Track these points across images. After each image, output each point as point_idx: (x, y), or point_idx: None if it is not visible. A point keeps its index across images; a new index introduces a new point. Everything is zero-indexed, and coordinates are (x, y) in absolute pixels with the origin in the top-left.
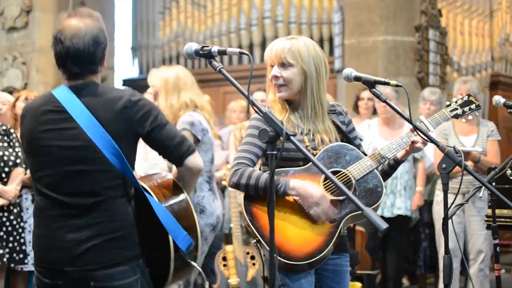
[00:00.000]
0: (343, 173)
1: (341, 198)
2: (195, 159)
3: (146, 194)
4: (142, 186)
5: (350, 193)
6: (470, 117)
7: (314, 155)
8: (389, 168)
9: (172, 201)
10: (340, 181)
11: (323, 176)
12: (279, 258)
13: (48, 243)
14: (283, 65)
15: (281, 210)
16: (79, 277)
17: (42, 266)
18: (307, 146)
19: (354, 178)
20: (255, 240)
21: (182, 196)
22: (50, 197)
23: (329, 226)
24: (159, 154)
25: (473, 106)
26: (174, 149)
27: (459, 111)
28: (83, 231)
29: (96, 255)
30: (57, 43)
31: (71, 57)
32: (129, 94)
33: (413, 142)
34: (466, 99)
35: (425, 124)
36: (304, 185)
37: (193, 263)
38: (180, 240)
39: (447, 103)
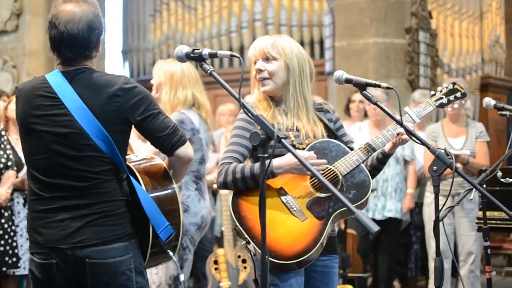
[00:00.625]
0: (329, 169)
1: (328, 194)
2: (186, 149)
3: (133, 181)
4: (132, 171)
5: (340, 195)
6: (455, 106)
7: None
8: (378, 162)
9: (159, 189)
10: (327, 177)
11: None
12: (270, 258)
13: (42, 224)
14: (267, 59)
15: (269, 209)
16: (74, 254)
17: (37, 247)
18: (292, 141)
19: (341, 174)
20: (244, 242)
21: (170, 186)
22: (43, 181)
23: (317, 223)
24: (151, 143)
25: (458, 94)
26: (165, 139)
27: (444, 100)
28: (76, 210)
29: (91, 232)
30: (52, 27)
31: (65, 42)
32: (122, 81)
33: (398, 134)
34: (451, 87)
35: (410, 116)
36: (285, 159)
37: (170, 252)
38: (160, 229)
39: (432, 92)
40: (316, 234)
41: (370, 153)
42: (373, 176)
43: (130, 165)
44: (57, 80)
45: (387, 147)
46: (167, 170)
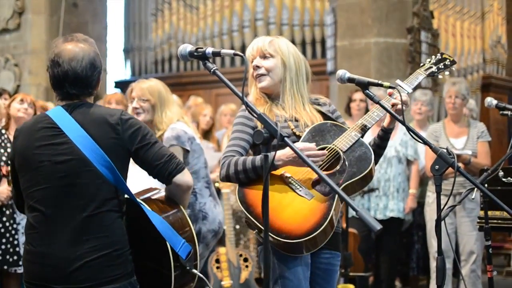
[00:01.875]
0: (329, 147)
1: (332, 171)
2: (184, 177)
3: (142, 205)
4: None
5: (342, 192)
6: (446, 73)
7: (299, 138)
8: (380, 140)
9: (166, 212)
10: (329, 156)
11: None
12: (280, 239)
13: (39, 260)
14: (264, 56)
15: (275, 193)
16: None
17: (33, 282)
18: (292, 130)
19: (342, 150)
20: (256, 231)
21: (176, 208)
22: (42, 212)
23: (324, 199)
24: (148, 174)
25: (447, 62)
26: (161, 168)
27: (434, 69)
28: (75, 247)
29: (89, 273)
30: (55, 65)
31: (69, 80)
32: (120, 113)
33: (393, 105)
34: (440, 57)
35: (402, 87)
36: (284, 152)
37: (194, 270)
38: (179, 248)
39: (421, 64)
40: (325, 210)
41: (367, 127)
42: (379, 156)
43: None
44: (58, 112)
45: (385, 122)
46: (169, 197)
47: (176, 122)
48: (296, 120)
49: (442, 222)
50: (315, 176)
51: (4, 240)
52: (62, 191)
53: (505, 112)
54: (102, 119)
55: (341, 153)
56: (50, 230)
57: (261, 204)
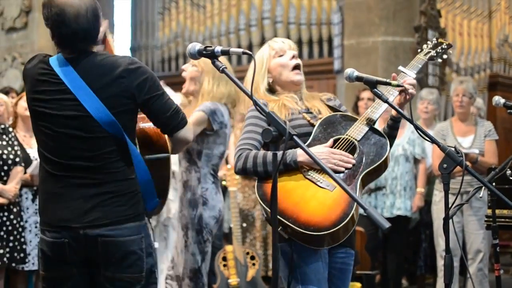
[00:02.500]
0: (343, 138)
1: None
2: (186, 132)
3: (134, 153)
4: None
5: (350, 191)
6: (445, 56)
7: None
8: (390, 129)
9: (153, 153)
10: (343, 145)
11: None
12: (309, 232)
13: (54, 203)
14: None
15: (296, 188)
16: (85, 233)
17: (48, 226)
18: (309, 121)
19: (356, 140)
20: (281, 227)
21: (164, 152)
22: (55, 162)
23: None
24: (153, 123)
25: (444, 46)
26: (166, 120)
27: (433, 53)
28: (89, 189)
29: (102, 212)
30: (60, 25)
31: (80, 38)
32: (127, 62)
33: (400, 93)
34: (435, 41)
35: (405, 73)
36: (309, 149)
37: (149, 220)
38: (149, 201)
39: (419, 50)
40: (348, 199)
41: (376, 114)
42: (390, 145)
43: None
44: (61, 66)
45: (394, 111)
46: (162, 135)
47: (222, 103)
48: (310, 112)
49: (450, 221)
50: None
51: (11, 238)
52: (72, 144)
53: None
54: (107, 71)
55: (356, 143)
56: (63, 175)
57: (282, 200)
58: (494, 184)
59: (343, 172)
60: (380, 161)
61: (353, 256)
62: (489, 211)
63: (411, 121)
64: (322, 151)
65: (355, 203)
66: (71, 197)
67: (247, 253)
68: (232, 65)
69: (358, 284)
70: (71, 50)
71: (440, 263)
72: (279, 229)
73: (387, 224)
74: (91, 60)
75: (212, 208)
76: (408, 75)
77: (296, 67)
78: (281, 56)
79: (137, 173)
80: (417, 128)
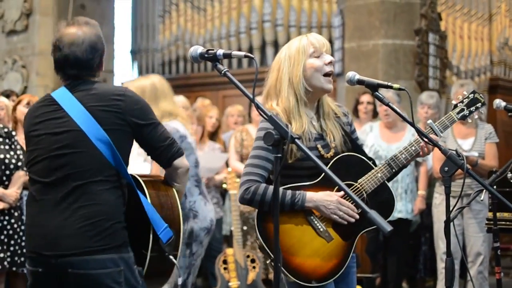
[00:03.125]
0: (354, 186)
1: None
2: (183, 160)
3: (131, 181)
4: (133, 176)
5: (352, 193)
6: (475, 117)
7: (327, 162)
8: (392, 174)
9: (159, 193)
10: None
11: (335, 188)
12: (295, 280)
13: (32, 229)
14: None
15: (295, 229)
16: (57, 263)
17: (28, 253)
18: (321, 153)
19: (366, 192)
20: (269, 260)
21: (170, 191)
22: (40, 183)
23: (343, 245)
24: (148, 154)
25: (478, 105)
26: (164, 149)
27: (466, 112)
28: (65, 214)
29: (75, 240)
30: (56, 50)
31: (70, 63)
32: (123, 88)
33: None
34: (472, 97)
35: (433, 129)
36: (319, 195)
37: (171, 257)
38: (161, 231)
39: (453, 102)
40: (342, 257)
41: (393, 170)
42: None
43: (134, 174)
44: (59, 91)
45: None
46: (167, 181)
47: (169, 121)
48: (323, 138)
49: (451, 224)
50: None
51: (12, 242)
52: (57, 161)
53: None
54: (103, 93)
55: (365, 195)
56: (44, 199)
57: (280, 238)
58: (495, 187)
59: (345, 224)
60: None
61: (354, 259)
62: (490, 214)
63: (412, 124)
64: (331, 200)
65: (348, 259)
66: (46, 222)
67: (248, 256)
68: (232, 68)
69: (358, 287)
70: (63, 75)
71: (441, 266)
72: (268, 261)
73: (389, 228)
74: (89, 85)
75: (203, 219)
76: (435, 132)
77: (329, 74)
78: (317, 57)
79: (143, 203)
80: (418, 131)
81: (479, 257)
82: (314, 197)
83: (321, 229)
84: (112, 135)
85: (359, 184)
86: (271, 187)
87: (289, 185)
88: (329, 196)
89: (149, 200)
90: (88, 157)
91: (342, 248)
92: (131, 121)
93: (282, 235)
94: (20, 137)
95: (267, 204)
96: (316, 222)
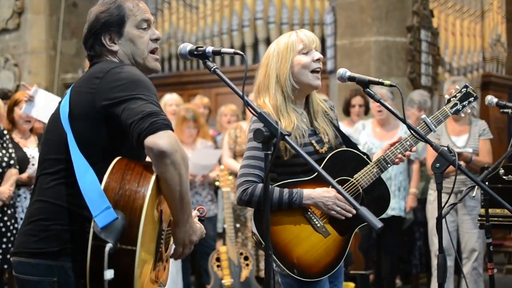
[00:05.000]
0: (350, 182)
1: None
2: (155, 140)
3: (78, 165)
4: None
5: (343, 190)
6: (468, 111)
7: (323, 156)
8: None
9: (127, 177)
10: (348, 191)
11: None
12: (292, 275)
13: None
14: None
15: (293, 225)
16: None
17: None
18: (316, 148)
19: (362, 187)
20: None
21: (148, 177)
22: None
23: (340, 239)
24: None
25: (471, 99)
26: (134, 127)
27: (459, 106)
28: (28, 210)
29: (18, 240)
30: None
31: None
32: (114, 66)
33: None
34: (465, 91)
35: (427, 124)
36: (317, 192)
37: (108, 241)
38: (98, 212)
39: (446, 97)
40: (339, 251)
41: (388, 165)
42: None
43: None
44: None
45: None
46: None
47: None
48: (316, 133)
49: (443, 220)
50: None
51: (5, 240)
52: (40, 149)
53: (506, 110)
54: (91, 73)
55: (361, 191)
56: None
57: (277, 234)
58: (487, 183)
59: (341, 219)
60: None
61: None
62: (482, 210)
63: (403, 120)
64: (329, 196)
65: (345, 254)
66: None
67: (241, 254)
68: (224, 66)
69: (352, 284)
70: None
71: (435, 262)
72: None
73: (379, 224)
74: (93, 65)
75: None
76: (429, 127)
77: (317, 71)
78: (305, 54)
79: (78, 180)
80: (409, 127)
81: (474, 253)
82: (312, 194)
83: (318, 225)
84: (80, 122)
85: (355, 179)
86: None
87: (285, 181)
88: (327, 192)
89: (104, 182)
90: (52, 145)
91: (339, 243)
92: (101, 105)
93: (279, 231)
94: (16, 137)
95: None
96: (313, 218)
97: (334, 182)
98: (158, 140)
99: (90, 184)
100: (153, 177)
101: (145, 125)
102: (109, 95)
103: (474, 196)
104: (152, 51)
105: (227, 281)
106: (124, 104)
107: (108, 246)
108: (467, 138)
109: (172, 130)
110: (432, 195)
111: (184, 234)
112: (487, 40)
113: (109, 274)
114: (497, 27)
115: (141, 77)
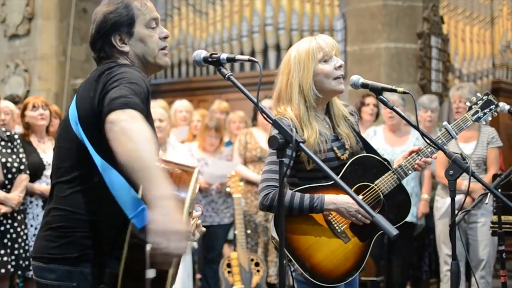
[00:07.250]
0: (371, 187)
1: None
2: (118, 115)
3: (106, 168)
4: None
5: (360, 200)
6: (489, 118)
7: (344, 163)
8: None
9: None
10: (369, 196)
11: (353, 189)
12: (313, 281)
13: None
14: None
15: (313, 229)
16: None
17: None
18: (337, 155)
19: (382, 193)
20: (287, 261)
21: (182, 192)
22: None
23: (360, 246)
24: None
25: (492, 107)
26: (105, 109)
27: (480, 114)
28: (44, 217)
29: (37, 245)
30: None
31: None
32: (114, 65)
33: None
34: (486, 99)
35: (448, 132)
36: (341, 198)
37: (148, 242)
38: (134, 213)
39: (468, 104)
40: (358, 258)
41: (409, 171)
42: None
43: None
44: None
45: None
46: (191, 176)
47: None
48: (338, 139)
49: (456, 227)
50: None
51: (16, 246)
52: (53, 156)
53: None
54: (92, 76)
55: (382, 196)
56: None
57: (297, 239)
58: (499, 190)
59: (361, 225)
60: (398, 224)
61: None
62: (495, 217)
63: (417, 128)
64: (353, 202)
65: (364, 261)
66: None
67: (252, 260)
68: (234, 72)
69: None
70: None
71: (444, 268)
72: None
73: (394, 231)
74: (98, 67)
75: None
76: (450, 134)
77: (339, 77)
78: (326, 61)
79: (108, 184)
80: (422, 134)
81: (482, 262)
82: (334, 200)
83: (339, 230)
84: (88, 127)
85: (376, 185)
86: (289, 192)
87: (306, 186)
88: (350, 199)
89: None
90: (65, 152)
91: (359, 249)
92: (99, 110)
93: (300, 236)
94: (35, 140)
95: (286, 209)
96: (334, 222)
97: (348, 189)
98: (122, 116)
99: (119, 187)
100: (192, 182)
101: (116, 102)
102: (101, 98)
103: (487, 203)
104: (162, 49)
105: (238, 287)
106: (108, 89)
107: (149, 246)
108: (475, 145)
109: (137, 110)
110: (439, 201)
111: (159, 218)
112: (497, 47)
113: (151, 273)
114: (507, 33)
115: (137, 80)
